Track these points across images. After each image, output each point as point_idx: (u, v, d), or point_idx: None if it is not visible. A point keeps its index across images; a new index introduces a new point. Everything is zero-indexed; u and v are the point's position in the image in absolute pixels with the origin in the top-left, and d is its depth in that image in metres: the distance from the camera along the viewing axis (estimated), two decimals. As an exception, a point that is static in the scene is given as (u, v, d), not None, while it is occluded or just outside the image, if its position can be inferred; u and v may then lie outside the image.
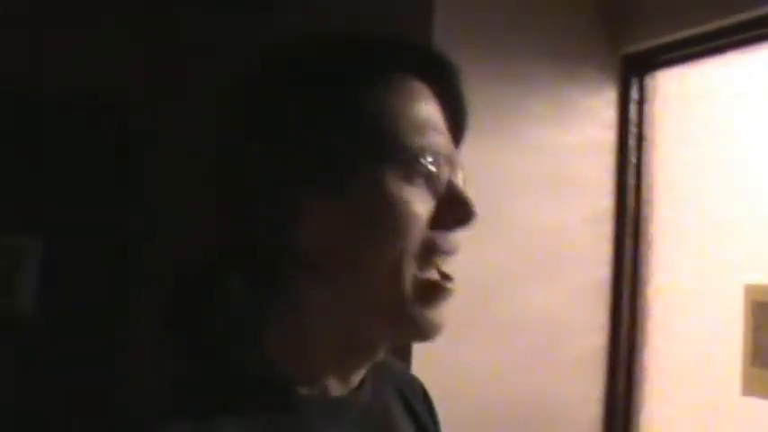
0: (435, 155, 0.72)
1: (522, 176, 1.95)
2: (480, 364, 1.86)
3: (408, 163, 0.71)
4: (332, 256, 0.71)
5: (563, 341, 1.97)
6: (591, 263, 2.02)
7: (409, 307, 0.71)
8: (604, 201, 2.04)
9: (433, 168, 0.72)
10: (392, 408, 0.86)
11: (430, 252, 0.72)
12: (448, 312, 0.74)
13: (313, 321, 0.74)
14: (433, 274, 0.72)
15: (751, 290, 1.77)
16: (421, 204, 0.71)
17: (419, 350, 1.68)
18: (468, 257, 1.92)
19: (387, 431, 0.82)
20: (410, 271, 0.71)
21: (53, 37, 2.71)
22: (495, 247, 1.90)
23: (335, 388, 0.76)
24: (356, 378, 0.78)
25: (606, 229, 2.03)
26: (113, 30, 2.81)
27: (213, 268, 0.72)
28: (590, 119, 2.04)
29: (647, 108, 2.07)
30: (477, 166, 1.98)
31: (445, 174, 0.73)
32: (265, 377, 0.72)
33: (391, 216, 0.70)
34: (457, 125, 0.78)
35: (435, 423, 0.94)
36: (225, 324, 0.72)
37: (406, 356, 1.70)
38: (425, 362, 1.60)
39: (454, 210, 0.72)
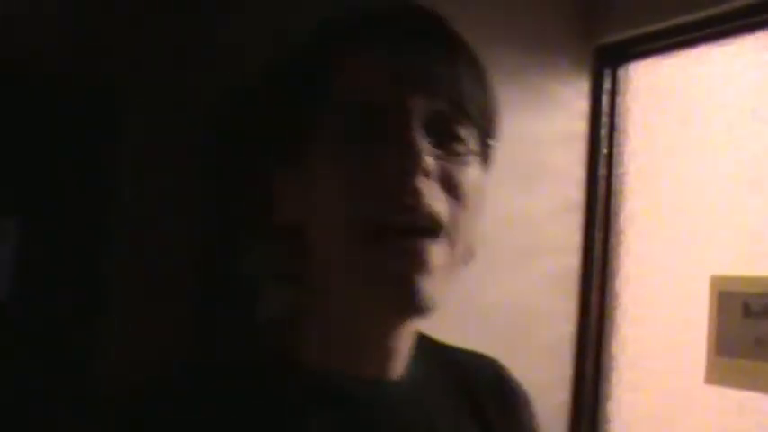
0: (372, 108, 0.70)
1: (498, 165, 1.96)
2: (464, 336, 1.86)
3: (340, 122, 0.70)
4: (304, 229, 0.72)
5: (532, 329, 1.99)
6: (561, 252, 2.04)
7: (367, 269, 0.68)
8: (575, 191, 2.05)
9: (370, 123, 0.70)
10: (438, 405, 0.81)
11: (382, 203, 0.69)
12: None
13: (308, 299, 0.75)
14: (385, 219, 0.68)
15: (717, 280, 1.80)
16: (363, 160, 0.69)
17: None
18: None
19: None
20: (361, 226, 0.68)
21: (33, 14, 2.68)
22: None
23: (350, 373, 0.74)
24: (379, 367, 0.76)
25: (576, 218, 2.05)
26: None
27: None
28: (562, 109, 2.05)
29: (619, 99, 2.08)
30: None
31: (392, 124, 0.70)
32: (271, 356, 0.74)
33: (332, 179, 0.69)
34: (419, 77, 0.74)
35: (507, 412, 0.88)
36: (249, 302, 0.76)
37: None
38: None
39: (396, 156, 0.69)
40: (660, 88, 2.01)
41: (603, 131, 2.06)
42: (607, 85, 2.08)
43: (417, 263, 0.68)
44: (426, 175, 0.69)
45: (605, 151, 2.06)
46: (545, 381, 2.00)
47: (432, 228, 0.70)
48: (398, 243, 0.68)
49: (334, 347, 0.74)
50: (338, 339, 0.74)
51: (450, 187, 0.72)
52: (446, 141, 0.73)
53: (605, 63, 2.09)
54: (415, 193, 0.69)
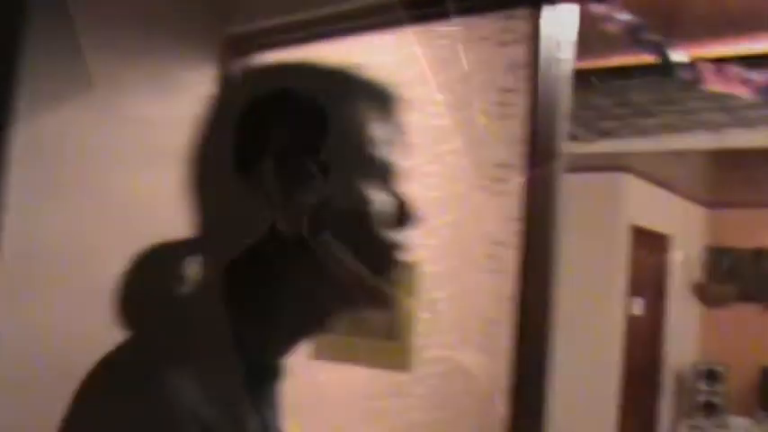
0: (385, 162, 0.84)
1: (116, 147, 1.92)
2: (66, 321, 1.80)
3: (367, 168, 0.83)
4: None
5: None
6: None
7: (367, 280, 0.82)
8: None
9: (384, 173, 0.84)
10: None
11: (385, 245, 0.83)
12: None
13: (282, 295, 0.83)
14: (387, 251, 0.84)
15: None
16: (377, 202, 0.83)
17: None
18: (57, 228, 1.85)
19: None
20: (371, 254, 0.82)
21: None
22: (86, 217, 1.86)
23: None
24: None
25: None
26: None
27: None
28: (189, 93, 2.07)
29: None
30: (70, 135, 1.91)
31: (394, 177, 0.85)
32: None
33: (358, 210, 0.82)
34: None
35: None
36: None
37: None
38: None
39: (399, 211, 0.85)
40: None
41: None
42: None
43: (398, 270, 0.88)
44: None
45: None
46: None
47: None
48: (391, 261, 0.87)
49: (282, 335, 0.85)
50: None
51: None
52: None
53: (235, 51, 2.14)
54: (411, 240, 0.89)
